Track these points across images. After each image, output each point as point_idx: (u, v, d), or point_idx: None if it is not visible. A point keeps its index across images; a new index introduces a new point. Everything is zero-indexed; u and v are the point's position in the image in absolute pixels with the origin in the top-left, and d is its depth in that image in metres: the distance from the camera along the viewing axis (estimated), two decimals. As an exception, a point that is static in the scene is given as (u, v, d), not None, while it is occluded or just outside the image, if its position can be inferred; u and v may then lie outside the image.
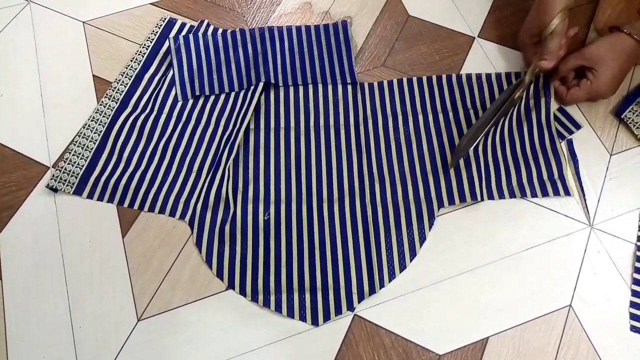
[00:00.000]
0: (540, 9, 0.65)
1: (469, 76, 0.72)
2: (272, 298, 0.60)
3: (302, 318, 0.59)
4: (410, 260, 0.61)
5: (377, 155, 0.67)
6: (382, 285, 0.60)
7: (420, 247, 0.62)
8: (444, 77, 0.72)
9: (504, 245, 0.62)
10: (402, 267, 0.61)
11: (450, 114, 0.70)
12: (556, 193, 0.64)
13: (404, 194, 0.65)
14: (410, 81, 0.72)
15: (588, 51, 0.66)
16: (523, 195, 0.64)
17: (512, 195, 0.64)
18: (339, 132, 0.69)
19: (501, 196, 0.64)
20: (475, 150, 0.66)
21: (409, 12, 0.80)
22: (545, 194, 0.64)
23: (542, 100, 0.69)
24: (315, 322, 0.59)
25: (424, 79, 0.72)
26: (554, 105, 0.69)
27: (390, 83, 0.72)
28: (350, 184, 0.66)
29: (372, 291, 0.60)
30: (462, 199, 0.64)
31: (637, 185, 0.65)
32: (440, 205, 0.64)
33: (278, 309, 0.59)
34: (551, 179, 0.65)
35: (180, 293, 0.61)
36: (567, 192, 0.64)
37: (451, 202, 0.64)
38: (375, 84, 0.72)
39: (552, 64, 0.65)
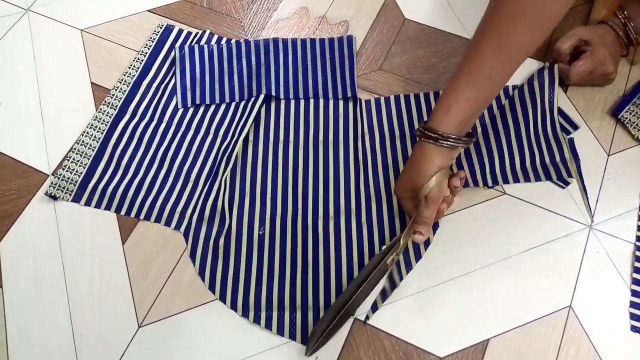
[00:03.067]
0: (412, 167, 0.54)
1: None
2: (263, 315, 0.59)
3: (292, 336, 0.58)
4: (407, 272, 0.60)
5: (374, 172, 0.67)
6: (383, 299, 0.59)
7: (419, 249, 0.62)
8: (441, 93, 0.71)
9: (503, 246, 0.62)
10: (408, 270, 0.60)
11: None
12: (559, 176, 0.63)
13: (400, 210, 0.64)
14: (407, 97, 0.71)
15: (579, 30, 0.68)
16: (527, 180, 0.64)
17: (516, 180, 0.64)
18: (337, 148, 0.68)
19: (505, 181, 0.64)
20: (478, 136, 0.66)
21: (405, 15, 0.80)
22: (548, 177, 0.64)
23: (547, 83, 0.67)
24: (304, 341, 0.58)
25: (421, 95, 0.71)
26: (557, 93, 0.67)
27: (387, 100, 0.71)
28: (347, 201, 0.65)
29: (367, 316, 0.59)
30: (465, 185, 0.63)
31: (636, 185, 0.65)
32: None
33: (268, 326, 0.58)
34: (553, 162, 0.64)
35: (180, 299, 0.61)
36: (570, 174, 0.63)
37: None
38: (372, 100, 0.71)
39: (427, 236, 0.54)
